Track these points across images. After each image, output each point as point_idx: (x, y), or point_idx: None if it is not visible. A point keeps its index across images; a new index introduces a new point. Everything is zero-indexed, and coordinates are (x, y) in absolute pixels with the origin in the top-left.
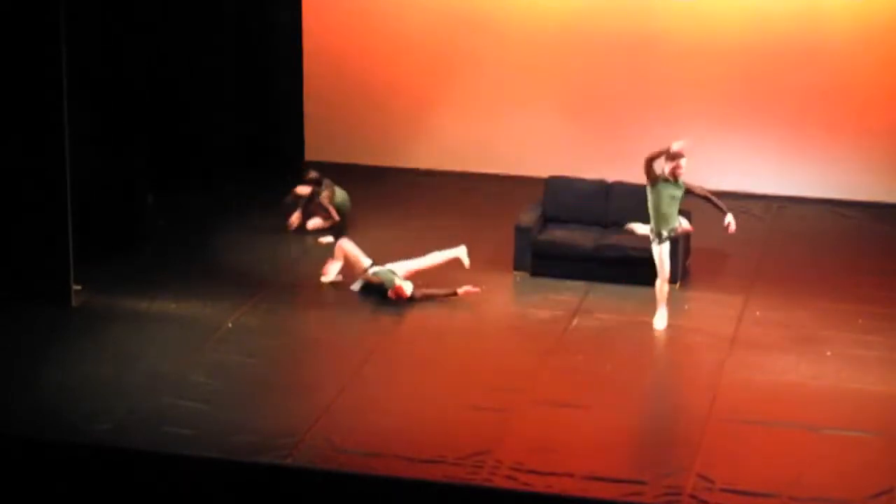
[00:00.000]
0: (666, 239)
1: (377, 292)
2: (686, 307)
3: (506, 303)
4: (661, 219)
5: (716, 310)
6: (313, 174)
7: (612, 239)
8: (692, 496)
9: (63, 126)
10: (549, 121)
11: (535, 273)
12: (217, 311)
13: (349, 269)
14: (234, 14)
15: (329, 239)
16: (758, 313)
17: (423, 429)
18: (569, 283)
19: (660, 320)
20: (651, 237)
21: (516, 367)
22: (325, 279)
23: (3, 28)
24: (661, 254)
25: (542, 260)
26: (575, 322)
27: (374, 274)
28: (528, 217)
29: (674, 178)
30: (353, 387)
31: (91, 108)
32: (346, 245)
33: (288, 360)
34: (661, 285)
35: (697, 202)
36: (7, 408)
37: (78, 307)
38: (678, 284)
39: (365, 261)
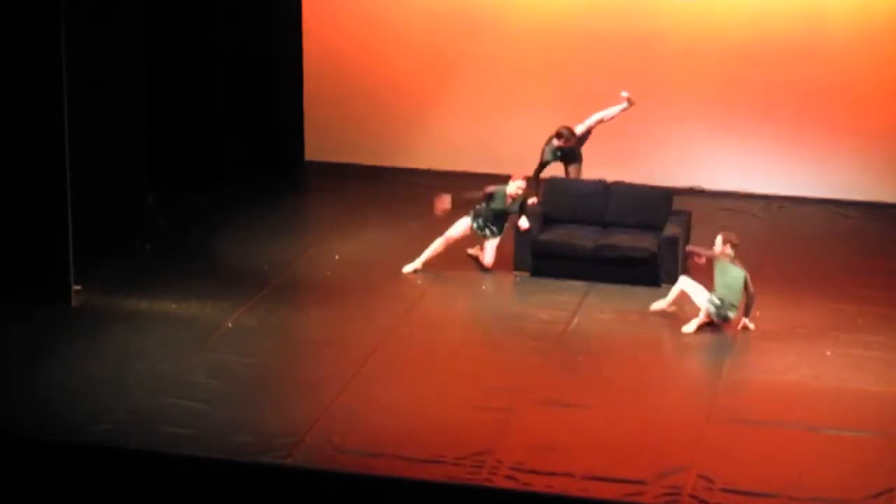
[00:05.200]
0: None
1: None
2: (686, 307)
3: (506, 303)
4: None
5: None
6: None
7: (612, 239)
8: (692, 496)
9: (63, 126)
10: (549, 121)
11: (535, 273)
12: (217, 311)
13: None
14: (234, 14)
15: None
16: (758, 313)
17: (423, 429)
18: (569, 283)
19: None
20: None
21: (516, 367)
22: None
23: (3, 28)
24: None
25: (543, 260)
26: (575, 322)
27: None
28: (529, 217)
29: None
30: (354, 387)
31: (91, 109)
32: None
33: (288, 360)
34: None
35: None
36: (7, 408)
37: (78, 307)
38: None
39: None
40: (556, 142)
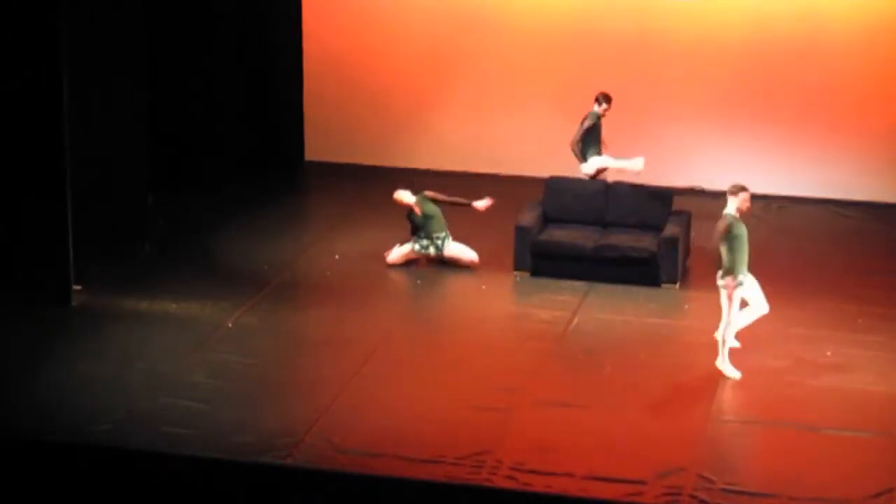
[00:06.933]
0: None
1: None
2: (686, 307)
3: (506, 303)
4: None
5: (716, 310)
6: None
7: (612, 239)
8: (692, 496)
9: (63, 126)
10: (549, 121)
11: (535, 273)
12: (217, 311)
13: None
14: (234, 15)
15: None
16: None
17: (423, 429)
18: (569, 283)
19: None
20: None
21: (516, 367)
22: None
23: (3, 28)
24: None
25: (542, 260)
26: (575, 322)
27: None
28: (528, 217)
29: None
30: (354, 387)
31: (91, 109)
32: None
33: (288, 360)
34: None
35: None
36: (7, 408)
37: (78, 307)
38: (678, 284)
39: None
40: (598, 108)
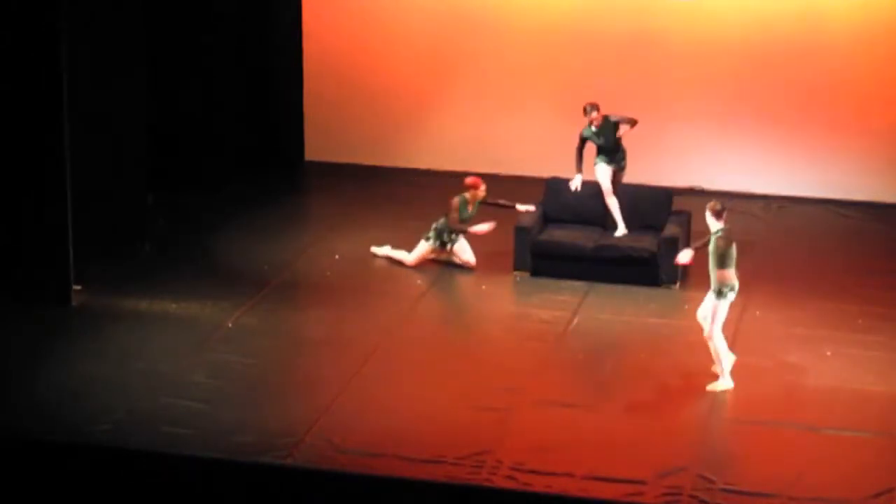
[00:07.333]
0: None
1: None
2: (686, 307)
3: (506, 303)
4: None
5: None
6: None
7: (612, 239)
8: (692, 496)
9: (63, 126)
10: (548, 121)
11: (535, 273)
12: (217, 311)
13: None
14: (234, 15)
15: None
16: (758, 313)
17: (423, 429)
18: (569, 283)
19: None
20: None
21: (516, 367)
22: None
23: (3, 28)
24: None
25: (542, 260)
26: (575, 322)
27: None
28: (528, 217)
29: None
30: (354, 387)
31: (91, 109)
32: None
33: (288, 360)
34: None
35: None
36: (7, 408)
37: (78, 307)
38: (678, 284)
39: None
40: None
